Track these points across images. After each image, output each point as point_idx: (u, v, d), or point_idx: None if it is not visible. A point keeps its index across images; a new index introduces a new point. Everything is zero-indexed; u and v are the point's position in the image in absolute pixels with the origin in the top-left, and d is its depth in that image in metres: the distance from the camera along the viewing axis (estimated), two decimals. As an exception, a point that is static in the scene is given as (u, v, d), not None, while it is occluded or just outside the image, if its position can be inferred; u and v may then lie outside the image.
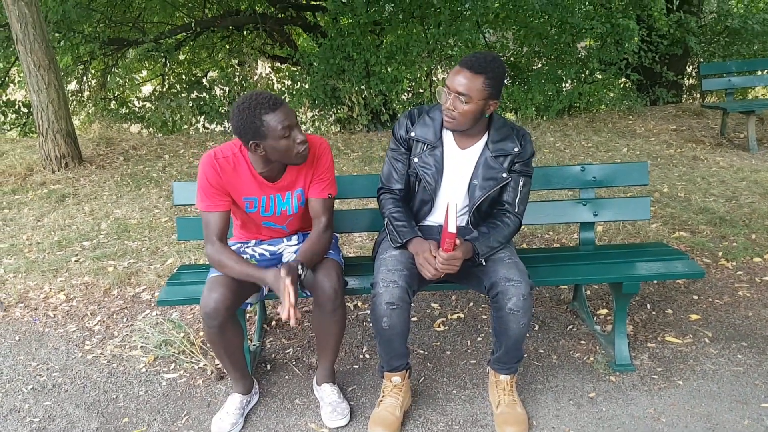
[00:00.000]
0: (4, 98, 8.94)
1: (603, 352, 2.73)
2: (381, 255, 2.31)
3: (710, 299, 3.15)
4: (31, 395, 2.57)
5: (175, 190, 2.73)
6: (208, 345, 2.82)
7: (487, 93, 2.13)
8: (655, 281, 3.32)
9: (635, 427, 2.23)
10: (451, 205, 2.00)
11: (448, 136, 2.33)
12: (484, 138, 2.32)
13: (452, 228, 2.00)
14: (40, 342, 3.00)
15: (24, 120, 8.73)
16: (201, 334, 2.95)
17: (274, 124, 2.03)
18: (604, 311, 3.09)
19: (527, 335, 2.88)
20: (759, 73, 7.03)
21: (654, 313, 3.05)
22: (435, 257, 2.12)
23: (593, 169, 2.84)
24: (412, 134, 2.34)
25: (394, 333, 2.15)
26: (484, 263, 2.21)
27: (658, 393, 2.42)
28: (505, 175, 2.31)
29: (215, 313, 2.11)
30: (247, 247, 2.45)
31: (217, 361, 2.69)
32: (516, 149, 2.30)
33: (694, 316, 2.99)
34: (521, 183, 2.34)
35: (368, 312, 3.14)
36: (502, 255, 2.25)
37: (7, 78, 8.71)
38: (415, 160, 2.34)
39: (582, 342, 2.82)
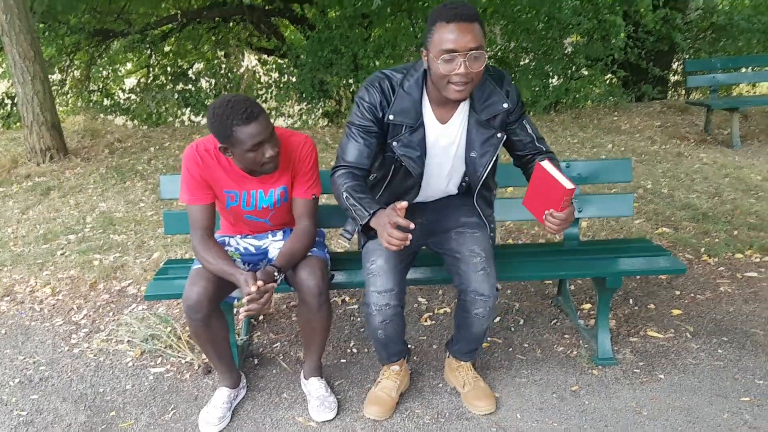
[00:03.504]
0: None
1: (586, 346, 2.77)
2: (367, 263, 2.20)
3: (692, 294, 3.21)
4: (18, 388, 2.57)
5: (162, 183, 2.71)
6: (193, 339, 2.82)
7: (485, 39, 1.90)
8: (638, 276, 3.37)
9: (617, 420, 2.27)
10: (545, 164, 1.82)
11: (428, 113, 2.09)
12: (466, 104, 2.09)
13: (569, 183, 1.76)
14: (27, 336, 2.99)
15: (8, 112, 8.62)
16: (188, 328, 2.96)
17: (243, 137, 2.00)
18: (588, 306, 3.13)
19: (511, 329, 2.93)
20: (743, 70, 7.10)
21: (636, 308, 3.10)
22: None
23: (578, 166, 2.86)
24: (390, 117, 2.05)
25: (389, 339, 2.22)
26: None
27: (640, 387, 2.47)
28: (499, 135, 2.13)
29: (198, 306, 2.12)
30: (232, 239, 2.45)
31: (204, 356, 2.70)
32: (505, 105, 2.10)
33: (675, 311, 3.04)
34: (526, 123, 2.20)
35: (356, 307, 3.16)
36: (476, 260, 2.18)
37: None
38: (395, 144, 2.08)
39: (566, 336, 2.86)
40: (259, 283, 2.01)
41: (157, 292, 2.47)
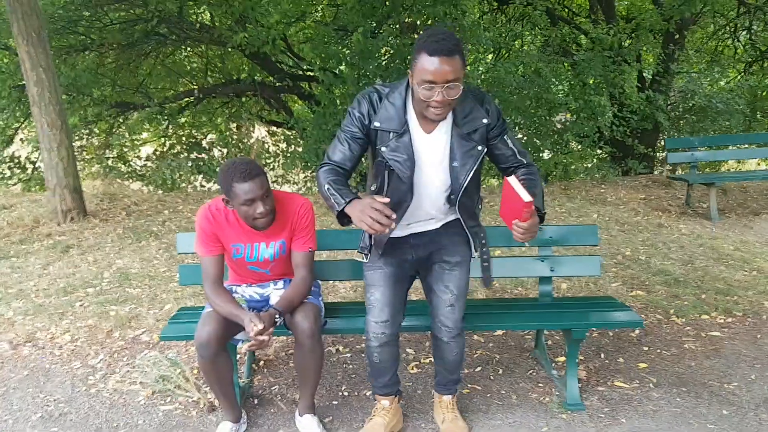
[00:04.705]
0: (9, 154, 9.38)
1: (558, 393, 3.04)
2: (367, 294, 2.51)
3: (659, 350, 3.49)
4: (39, 422, 2.84)
5: (178, 239, 3.09)
6: (201, 375, 3.10)
7: (464, 68, 2.10)
8: (611, 333, 3.66)
9: (578, 455, 2.53)
10: (510, 179, 2.02)
11: (412, 121, 2.26)
12: (449, 117, 2.27)
13: (527, 197, 1.96)
14: (47, 377, 3.28)
15: (29, 175, 9.13)
16: (195, 371, 3.24)
17: (239, 192, 2.39)
18: (562, 359, 3.41)
19: (490, 378, 3.20)
20: (730, 147, 7.52)
21: (607, 361, 3.37)
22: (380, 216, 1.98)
23: (549, 230, 3.21)
24: (376, 124, 2.24)
25: (384, 364, 2.59)
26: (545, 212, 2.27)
27: (604, 430, 2.73)
28: (480, 148, 2.29)
29: (207, 344, 2.45)
30: (239, 288, 2.80)
31: (209, 395, 2.98)
32: (485, 120, 2.29)
33: (642, 365, 3.32)
34: (507, 139, 2.35)
35: (349, 356, 3.45)
36: (446, 296, 2.51)
37: (15, 135, 9.17)
38: (383, 149, 2.25)
39: (540, 385, 3.14)
40: (261, 324, 2.35)
41: (171, 334, 2.79)
